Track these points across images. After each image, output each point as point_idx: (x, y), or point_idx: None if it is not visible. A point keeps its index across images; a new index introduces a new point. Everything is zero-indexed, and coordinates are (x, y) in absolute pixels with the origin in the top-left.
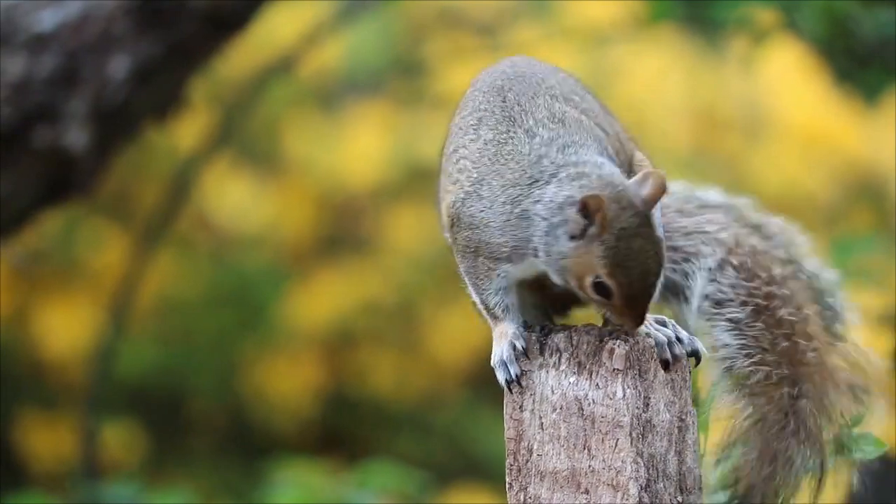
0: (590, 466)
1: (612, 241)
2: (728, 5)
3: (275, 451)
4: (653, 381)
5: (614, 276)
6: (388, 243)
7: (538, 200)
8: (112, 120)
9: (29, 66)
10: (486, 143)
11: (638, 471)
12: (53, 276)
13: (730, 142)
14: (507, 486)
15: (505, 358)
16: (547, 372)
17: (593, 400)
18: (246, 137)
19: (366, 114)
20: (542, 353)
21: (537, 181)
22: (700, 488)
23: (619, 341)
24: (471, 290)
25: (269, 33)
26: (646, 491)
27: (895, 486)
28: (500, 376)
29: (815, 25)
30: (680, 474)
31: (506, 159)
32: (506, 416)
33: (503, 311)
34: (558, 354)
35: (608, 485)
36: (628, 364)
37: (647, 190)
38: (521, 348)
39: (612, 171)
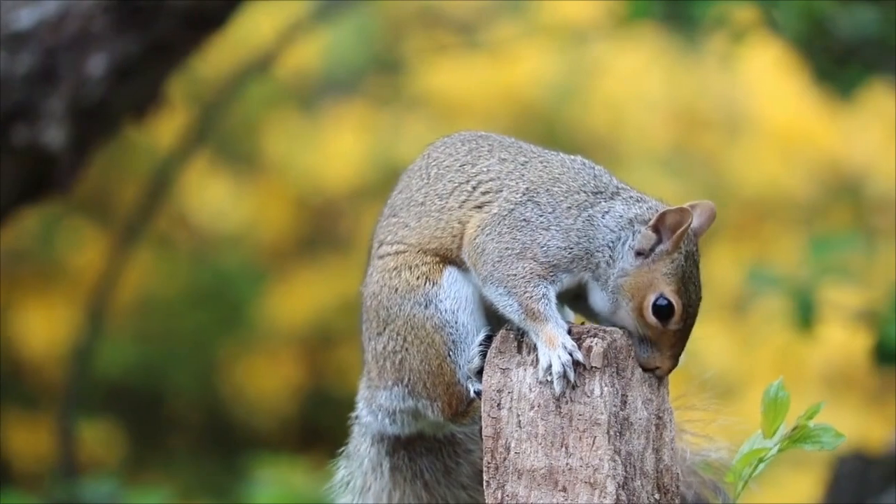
0: (567, 464)
1: (682, 259)
2: (706, 4)
3: (254, 449)
4: (630, 379)
5: (679, 294)
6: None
7: (607, 212)
8: (90, 118)
9: (7, 64)
10: (521, 164)
11: (615, 468)
12: (32, 275)
13: (709, 140)
14: (484, 483)
15: (564, 363)
16: (525, 370)
17: (571, 398)
18: (224, 136)
19: (344, 113)
20: (519, 350)
21: (601, 192)
22: (678, 486)
23: (596, 339)
24: (499, 294)
25: (248, 32)
26: (623, 489)
27: (873, 482)
28: (558, 387)
29: (793, 24)
30: (657, 472)
31: (560, 170)
32: (483, 414)
33: (549, 312)
34: (536, 352)
35: (586, 482)
36: (606, 362)
37: (700, 219)
38: (577, 357)
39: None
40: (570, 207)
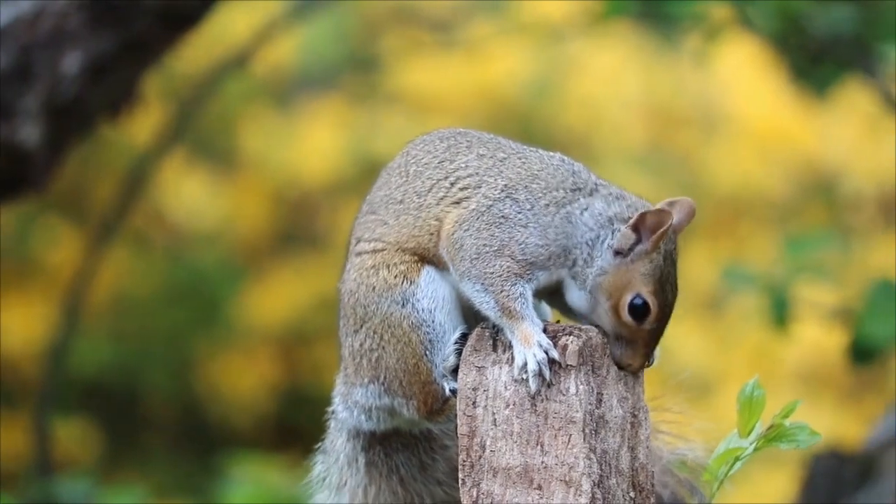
0: (543, 462)
1: (660, 259)
2: (682, 2)
3: (230, 447)
4: (606, 377)
5: (656, 295)
6: (343, 239)
7: (586, 209)
8: (65, 116)
9: None
10: (499, 160)
11: (591, 467)
12: (8, 273)
13: (684, 138)
14: (460, 482)
15: (540, 361)
16: (500, 368)
17: (546, 396)
18: (201, 133)
19: (320, 110)
20: (494, 349)
21: (580, 189)
22: (653, 485)
23: (572, 337)
24: (475, 290)
25: (224, 29)
26: (599, 487)
27: (848, 480)
28: (533, 385)
29: (768, 22)
30: (633, 470)
31: (539, 167)
32: (459, 412)
33: (525, 311)
34: (511, 350)
35: (561, 481)
36: (581, 360)
37: (678, 216)
38: (553, 356)
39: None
40: (548, 204)
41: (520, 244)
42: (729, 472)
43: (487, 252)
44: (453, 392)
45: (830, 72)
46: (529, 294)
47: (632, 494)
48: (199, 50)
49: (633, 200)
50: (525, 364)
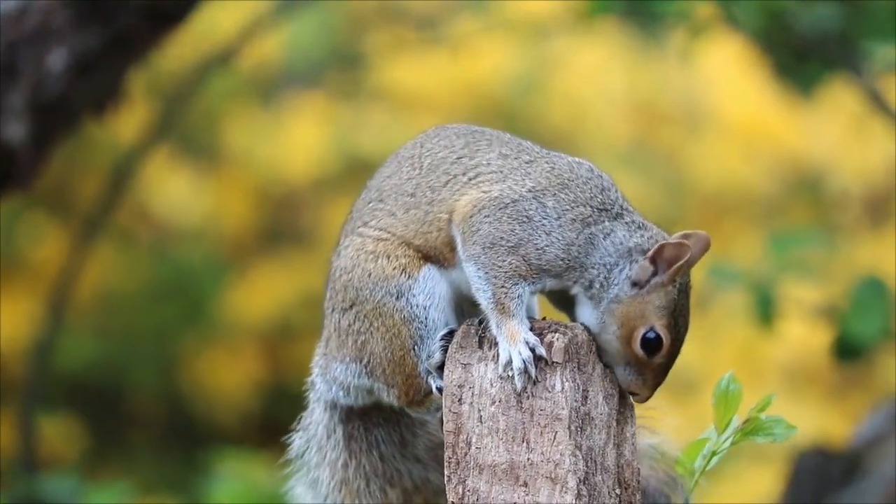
0: (528, 459)
1: (675, 292)
2: (667, 1)
3: (216, 444)
4: (592, 374)
5: (669, 329)
6: (328, 236)
7: (608, 234)
8: (51, 113)
9: None
10: (525, 162)
11: (576, 464)
12: None
13: (669, 136)
14: (445, 479)
15: (525, 360)
16: (486, 365)
17: (532, 393)
18: (186, 130)
19: (305, 106)
20: (480, 346)
21: (607, 210)
22: (639, 481)
23: (557, 334)
24: (478, 276)
25: (209, 26)
26: (584, 484)
27: (833, 477)
28: (519, 383)
29: (752, 19)
30: (619, 467)
31: (569, 176)
32: (445, 409)
33: (517, 310)
34: (497, 347)
35: (547, 478)
36: (567, 357)
37: (693, 249)
38: (540, 353)
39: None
40: (574, 220)
41: (538, 249)
42: (707, 466)
43: (502, 246)
44: (440, 390)
45: (815, 70)
46: (527, 295)
47: (617, 491)
48: (184, 47)
49: (654, 232)
50: (510, 361)
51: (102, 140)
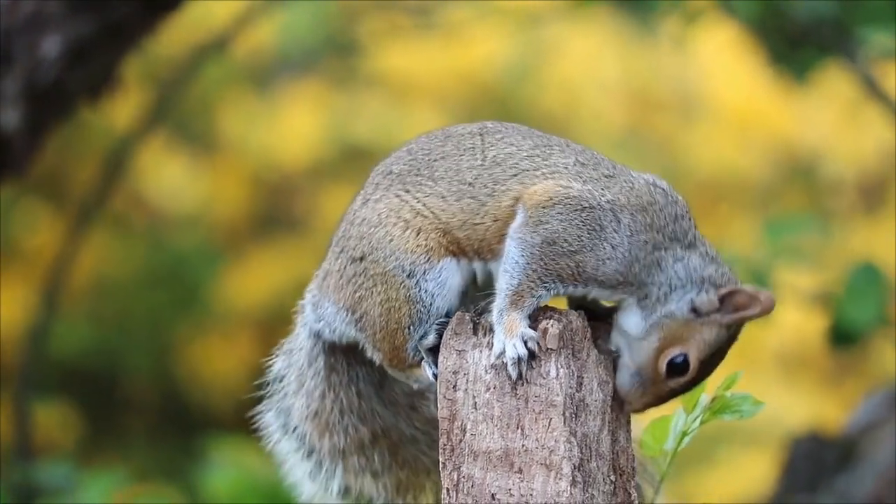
0: (523, 446)
1: (725, 335)
2: None
3: (210, 430)
4: (586, 361)
5: (701, 363)
6: (323, 222)
7: (679, 260)
8: (45, 99)
9: None
10: (605, 176)
11: (571, 450)
12: None
13: (663, 122)
14: (440, 465)
15: (520, 354)
16: (480, 352)
17: (527, 379)
18: (180, 117)
19: (300, 93)
20: (475, 333)
21: (679, 240)
22: (634, 468)
23: (552, 321)
24: (516, 259)
25: (203, 12)
26: (579, 470)
27: (828, 464)
28: (513, 372)
29: (747, 6)
30: (613, 453)
31: (648, 200)
32: (439, 396)
33: (527, 308)
34: (492, 334)
35: (542, 464)
36: (562, 343)
37: (761, 308)
38: (533, 349)
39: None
40: (646, 242)
41: (598, 259)
42: (678, 448)
43: (562, 247)
44: (435, 376)
45: (810, 56)
46: (546, 300)
47: (612, 477)
48: (178, 33)
49: (725, 269)
50: (503, 352)
51: (97, 127)
